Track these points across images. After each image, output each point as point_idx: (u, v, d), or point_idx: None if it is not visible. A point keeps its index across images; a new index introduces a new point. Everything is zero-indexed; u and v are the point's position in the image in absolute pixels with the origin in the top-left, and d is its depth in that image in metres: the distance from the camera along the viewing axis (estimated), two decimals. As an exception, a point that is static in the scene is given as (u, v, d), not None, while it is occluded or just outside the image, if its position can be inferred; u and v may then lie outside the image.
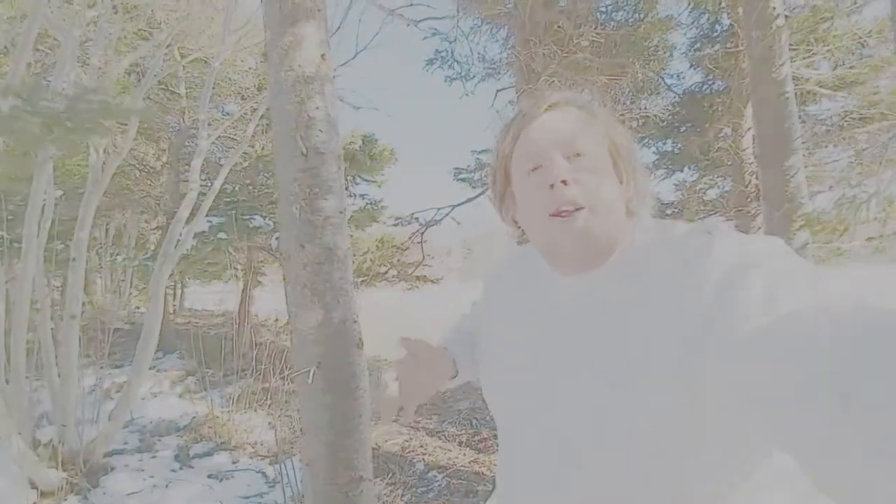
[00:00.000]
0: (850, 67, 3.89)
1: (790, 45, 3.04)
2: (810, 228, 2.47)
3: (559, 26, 3.64)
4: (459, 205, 4.41)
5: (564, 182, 0.56)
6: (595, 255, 0.59)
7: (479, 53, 5.03)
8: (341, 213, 1.74)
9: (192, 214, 4.31)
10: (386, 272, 5.50)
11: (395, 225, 5.13)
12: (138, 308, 10.89)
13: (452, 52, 5.04)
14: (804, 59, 3.75)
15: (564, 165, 0.57)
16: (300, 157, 1.67)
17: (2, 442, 2.74)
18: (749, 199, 4.06)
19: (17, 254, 3.32)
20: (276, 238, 5.80)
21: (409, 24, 3.86)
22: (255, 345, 7.45)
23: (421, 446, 4.13)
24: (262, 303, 10.69)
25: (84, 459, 3.15)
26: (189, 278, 12.40)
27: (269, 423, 4.49)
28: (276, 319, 10.44)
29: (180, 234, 4.10)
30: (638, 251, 0.58)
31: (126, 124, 3.84)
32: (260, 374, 5.54)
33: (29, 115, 1.66)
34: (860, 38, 3.72)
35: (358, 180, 6.88)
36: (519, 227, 0.69)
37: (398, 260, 5.37)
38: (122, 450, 3.65)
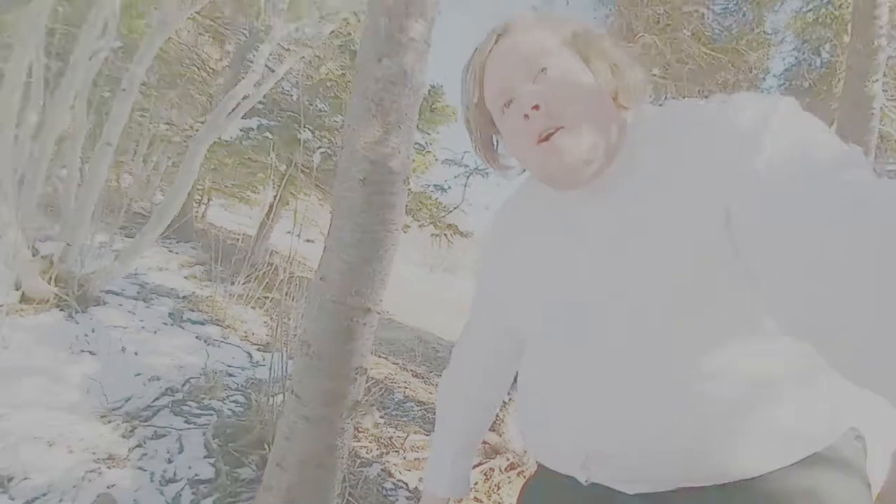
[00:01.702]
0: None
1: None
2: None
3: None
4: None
5: (536, 107, 0.54)
6: (595, 163, 0.56)
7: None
8: (426, 42, 1.62)
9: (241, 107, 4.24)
10: (419, 209, 5.34)
11: (445, 162, 4.96)
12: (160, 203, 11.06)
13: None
14: (891, 100, 3.58)
15: (531, 90, 0.55)
16: (404, -26, 1.56)
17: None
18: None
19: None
20: (320, 152, 5.72)
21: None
22: (268, 264, 7.44)
23: (404, 382, 4.01)
24: (277, 238, 10.71)
25: (80, 284, 3.09)
26: (216, 192, 12.58)
27: (265, 322, 4.44)
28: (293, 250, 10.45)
29: (228, 114, 4.04)
30: (646, 136, 0.56)
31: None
32: (265, 282, 5.50)
33: None
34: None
35: (411, 126, 6.75)
36: (508, 170, 0.70)
37: (436, 200, 5.19)
38: (119, 292, 3.62)
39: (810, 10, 4.75)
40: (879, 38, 2.96)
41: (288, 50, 7.01)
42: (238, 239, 12.26)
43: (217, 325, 3.72)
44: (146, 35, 3.70)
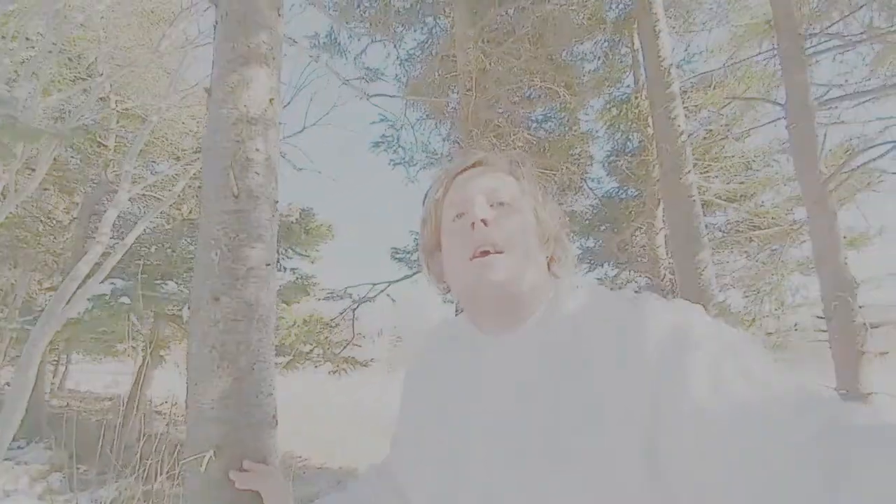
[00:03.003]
0: (741, 183, 4.64)
1: (694, 159, 3.57)
2: (723, 318, 2.67)
3: (497, 124, 3.99)
4: (396, 282, 4.33)
5: (484, 222, 0.58)
6: (516, 308, 0.58)
7: (422, 143, 5.35)
8: (269, 265, 1.57)
9: (93, 272, 3.84)
10: (311, 351, 5.07)
11: (327, 298, 4.84)
12: (7, 385, 9.12)
13: (398, 139, 5.32)
14: (702, 174, 4.39)
15: (486, 208, 0.60)
16: (230, 199, 1.53)
17: None
18: (665, 293, 4.39)
19: None
20: (189, 307, 5.25)
21: (360, 97, 4.04)
22: (144, 435, 6.38)
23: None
24: (160, 386, 9.39)
25: None
26: (76, 352, 10.78)
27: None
28: (174, 404, 9.15)
29: (74, 292, 3.60)
30: (565, 313, 0.58)
31: (33, 169, 3.50)
32: (144, 472, 4.68)
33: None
34: (747, 159, 4.50)
35: (290, 254, 6.62)
36: (443, 283, 0.70)
37: (325, 338, 4.99)
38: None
39: (613, 107, 5.75)
40: (681, 137, 3.42)
41: (145, 196, 6.62)
42: (110, 402, 10.45)
43: (80, 565, 3.01)
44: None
